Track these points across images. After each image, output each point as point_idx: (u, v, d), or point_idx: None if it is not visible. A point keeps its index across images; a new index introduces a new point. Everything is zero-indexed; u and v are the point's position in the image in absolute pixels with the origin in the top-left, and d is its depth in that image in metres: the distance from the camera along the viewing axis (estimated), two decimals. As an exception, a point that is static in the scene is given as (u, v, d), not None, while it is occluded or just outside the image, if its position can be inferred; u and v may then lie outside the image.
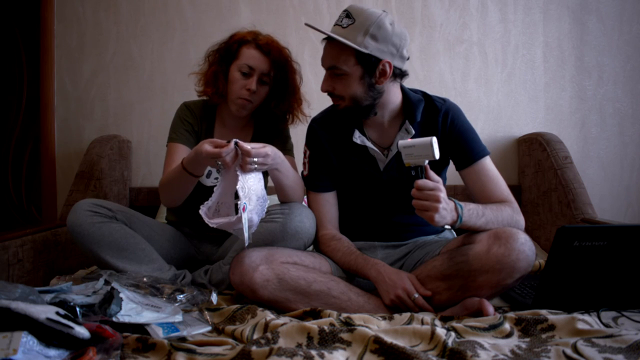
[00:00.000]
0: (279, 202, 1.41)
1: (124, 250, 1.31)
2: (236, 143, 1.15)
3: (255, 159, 1.15)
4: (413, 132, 1.33)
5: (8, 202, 2.48)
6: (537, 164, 2.11)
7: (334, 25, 1.26)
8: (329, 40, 1.27)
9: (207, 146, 1.15)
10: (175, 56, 2.26)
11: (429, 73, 2.27)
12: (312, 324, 0.95)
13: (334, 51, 1.25)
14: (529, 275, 1.14)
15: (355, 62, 1.23)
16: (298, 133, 1.63)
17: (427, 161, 1.08)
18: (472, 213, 1.16)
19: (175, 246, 1.50)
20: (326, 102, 1.49)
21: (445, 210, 1.07)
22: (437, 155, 1.07)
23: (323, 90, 1.31)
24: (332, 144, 1.41)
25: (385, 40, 1.22)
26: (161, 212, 2.02)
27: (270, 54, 1.41)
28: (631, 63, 2.28)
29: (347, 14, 1.23)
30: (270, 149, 1.20)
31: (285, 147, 1.53)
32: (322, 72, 1.33)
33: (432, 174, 1.09)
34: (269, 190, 1.71)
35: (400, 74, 1.29)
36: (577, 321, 0.96)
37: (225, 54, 1.46)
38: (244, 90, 1.40)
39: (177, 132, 1.48)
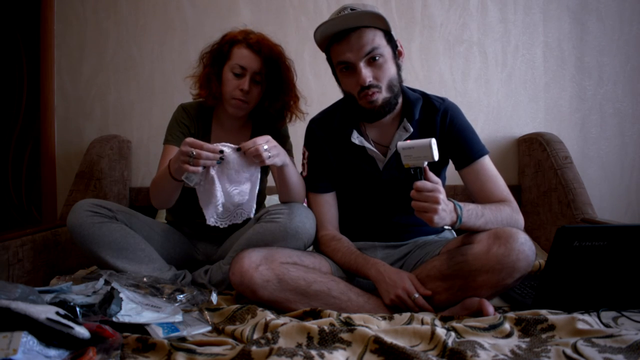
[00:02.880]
0: (279, 202, 1.40)
1: (124, 250, 1.31)
2: (238, 148, 1.20)
3: (266, 146, 1.18)
4: (412, 130, 1.32)
5: (8, 202, 2.48)
6: (537, 164, 2.11)
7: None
8: (355, 30, 1.23)
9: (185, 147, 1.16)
10: (175, 56, 2.26)
11: (429, 73, 2.27)
12: (312, 324, 0.95)
13: (369, 35, 1.22)
14: (529, 275, 1.14)
15: (387, 42, 1.25)
16: (298, 133, 1.63)
17: (426, 162, 1.08)
18: (472, 213, 1.16)
19: (175, 246, 1.50)
20: (326, 102, 1.49)
21: (445, 211, 1.07)
22: (436, 157, 1.07)
23: (366, 83, 1.23)
24: (331, 145, 1.41)
25: (389, 24, 1.26)
26: (161, 212, 2.02)
27: (261, 52, 1.40)
28: (631, 63, 2.28)
29: (352, 9, 1.23)
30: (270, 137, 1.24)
31: (285, 147, 1.52)
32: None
33: (431, 175, 1.09)
34: (269, 191, 1.72)
35: None
36: (577, 321, 0.96)
37: (217, 55, 1.45)
38: (238, 90, 1.39)
39: (173, 134, 1.48)
